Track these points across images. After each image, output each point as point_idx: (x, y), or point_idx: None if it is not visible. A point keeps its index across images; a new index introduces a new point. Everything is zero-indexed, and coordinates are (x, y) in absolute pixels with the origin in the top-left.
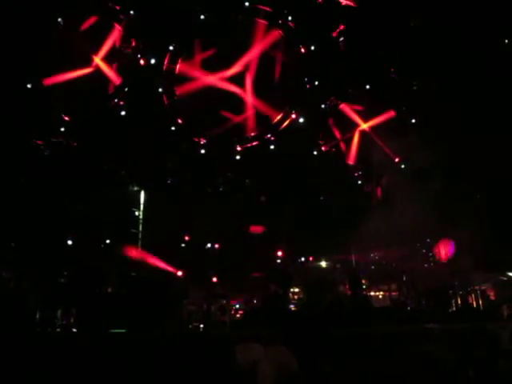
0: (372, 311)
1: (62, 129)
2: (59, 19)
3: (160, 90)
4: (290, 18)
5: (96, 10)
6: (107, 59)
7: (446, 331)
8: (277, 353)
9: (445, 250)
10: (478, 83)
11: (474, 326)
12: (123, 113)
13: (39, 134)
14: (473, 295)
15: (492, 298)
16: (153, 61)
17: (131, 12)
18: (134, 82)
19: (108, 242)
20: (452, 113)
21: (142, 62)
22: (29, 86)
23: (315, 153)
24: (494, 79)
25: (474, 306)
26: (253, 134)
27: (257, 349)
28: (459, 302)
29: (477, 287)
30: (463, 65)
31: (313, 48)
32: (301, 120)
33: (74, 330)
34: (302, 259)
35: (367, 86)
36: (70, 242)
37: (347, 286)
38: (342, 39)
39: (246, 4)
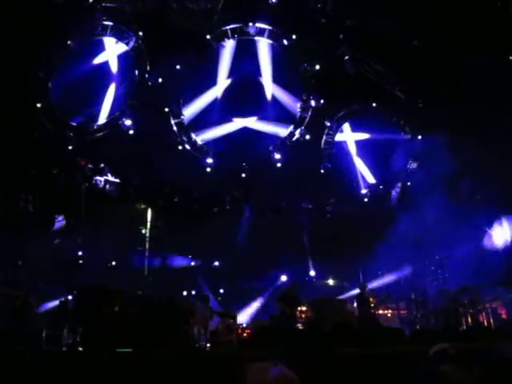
0: (380, 330)
1: (70, 147)
2: (69, 42)
3: (166, 109)
4: (294, 36)
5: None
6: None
7: (460, 351)
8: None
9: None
10: (483, 98)
11: (486, 346)
12: (131, 132)
13: (47, 151)
14: (483, 314)
15: (503, 316)
16: (160, 80)
17: (140, 33)
18: (141, 101)
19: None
20: (458, 129)
21: (149, 82)
22: (38, 105)
23: (322, 171)
24: (500, 93)
25: (485, 324)
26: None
27: (269, 369)
28: (469, 320)
29: (487, 305)
30: (468, 81)
31: (318, 67)
32: (307, 137)
33: (80, 348)
34: (310, 277)
35: (373, 104)
36: (77, 261)
37: (355, 305)
38: (346, 57)
39: (250, 24)
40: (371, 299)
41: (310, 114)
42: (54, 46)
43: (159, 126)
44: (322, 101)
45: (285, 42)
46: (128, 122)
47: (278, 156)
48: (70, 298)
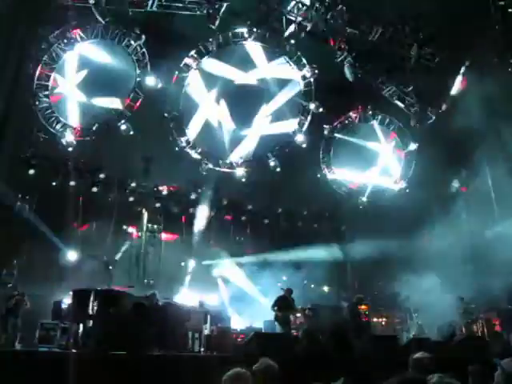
0: (372, 339)
1: (70, 149)
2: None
3: (166, 114)
4: (292, 41)
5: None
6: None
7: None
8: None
9: None
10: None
11: (484, 359)
12: (132, 132)
13: (46, 153)
14: (477, 324)
15: (498, 327)
16: (160, 85)
17: (143, 36)
18: (142, 103)
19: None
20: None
21: (150, 83)
22: (37, 103)
23: (318, 175)
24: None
25: (479, 335)
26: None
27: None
28: (463, 331)
29: (481, 315)
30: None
31: (316, 71)
32: (304, 145)
33: (74, 350)
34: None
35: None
36: (71, 259)
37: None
38: (347, 64)
39: (254, 30)
40: (364, 307)
41: (308, 120)
42: (54, 46)
43: (158, 130)
44: (321, 109)
45: (285, 48)
46: (126, 125)
47: (275, 162)
48: (63, 299)
